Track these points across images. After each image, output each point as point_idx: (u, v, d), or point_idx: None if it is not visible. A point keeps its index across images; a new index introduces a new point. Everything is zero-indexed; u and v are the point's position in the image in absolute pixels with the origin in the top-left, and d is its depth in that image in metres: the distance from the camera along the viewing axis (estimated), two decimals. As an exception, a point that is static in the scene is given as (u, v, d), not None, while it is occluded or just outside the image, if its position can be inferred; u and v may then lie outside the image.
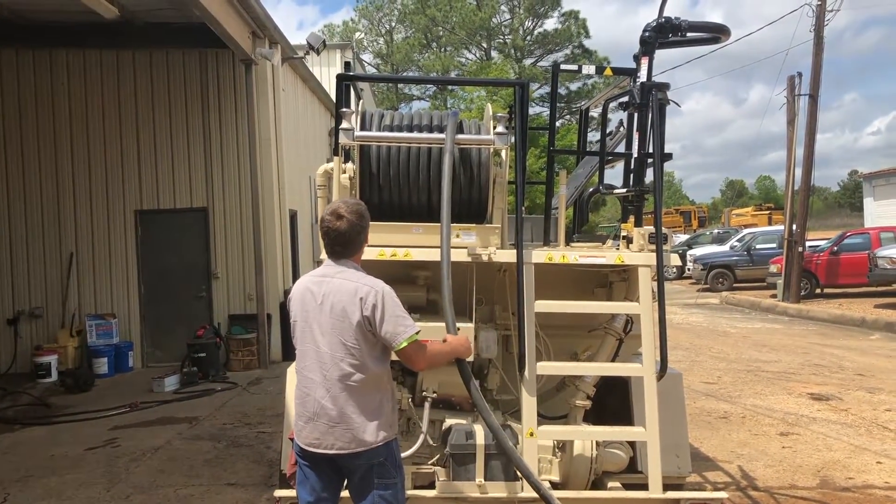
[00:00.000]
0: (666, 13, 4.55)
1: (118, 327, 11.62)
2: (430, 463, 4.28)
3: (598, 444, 4.32)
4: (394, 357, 3.32)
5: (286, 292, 11.95)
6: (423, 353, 3.26)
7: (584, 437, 4.24)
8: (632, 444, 4.43)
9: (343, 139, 4.19)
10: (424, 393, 4.33)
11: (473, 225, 4.29)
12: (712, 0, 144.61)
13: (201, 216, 11.93)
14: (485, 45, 51.74)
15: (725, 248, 26.66)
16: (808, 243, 19.37)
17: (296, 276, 13.12)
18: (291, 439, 3.48)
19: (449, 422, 4.33)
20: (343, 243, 3.28)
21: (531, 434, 4.00)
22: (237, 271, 11.88)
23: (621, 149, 5.16)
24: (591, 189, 5.64)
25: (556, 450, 4.35)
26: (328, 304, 3.21)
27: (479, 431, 4.08)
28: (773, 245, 23.04)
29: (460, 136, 4.30)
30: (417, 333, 3.20)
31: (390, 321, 3.17)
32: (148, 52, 11.86)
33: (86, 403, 9.28)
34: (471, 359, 4.25)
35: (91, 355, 11.20)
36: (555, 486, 4.31)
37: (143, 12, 10.61)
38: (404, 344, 3.16)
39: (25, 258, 11.88)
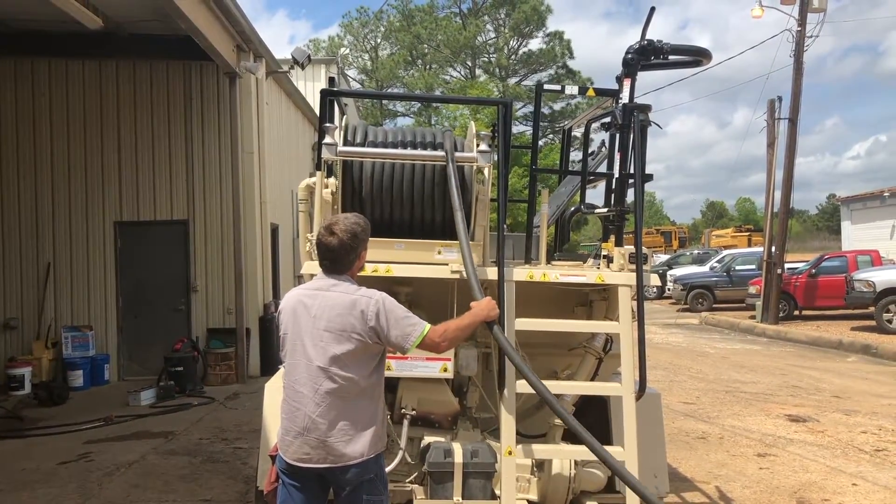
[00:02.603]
0: (652, 37, 4.60)
1: (95, 339, 11.48)
2: (407, 481, 4.25)
3: (576, 463, 4.31)
4: None
5: (266, 307, 11.91)
6: (441, 339, 3.27)
7: (563, 457, 4.23)
8: (610, 463, 4.42)
9: (326, 154, 4.18)
10: (403, 410, 4.31)
11: (456, 242, 4.29)
12: (699, 26, 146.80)
13: (182, 228, 11.84)
14: (469, 63, 52.03)
15: (705, 268, 26.83)
16: (786, 265, 19.57)
17: (276, 291, 13.05)
18: (272, 456, 3.44)
19: (427, 439, 4.30)
20: (331, 259, 3.28)
21: (509, 453, 3.98)
22: (217, 285, 11.79)
23: (603, 169, 5.19)
24: (572, 208, 5.67)
25: (535, 469, 4.34)
26: (323, 318, 3.19)
27: (458, 449, 4.06)
28: (753, 266, 23.23)
29: (444, 154, 4.30)
30: (427, 328, 3.22)
31: (397, 325, 3.18)
32: (131, 63, 11.81)
33: (59, 416, 9.15)
34: (450, 376, 4.26)
35: (66, 368, 11.04)
36: (532, 505, 4.30)
37: (127, 23, 10.59)
38: (418, 342, 3.19)
39: (1, 268, 11.73)
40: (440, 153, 4.29)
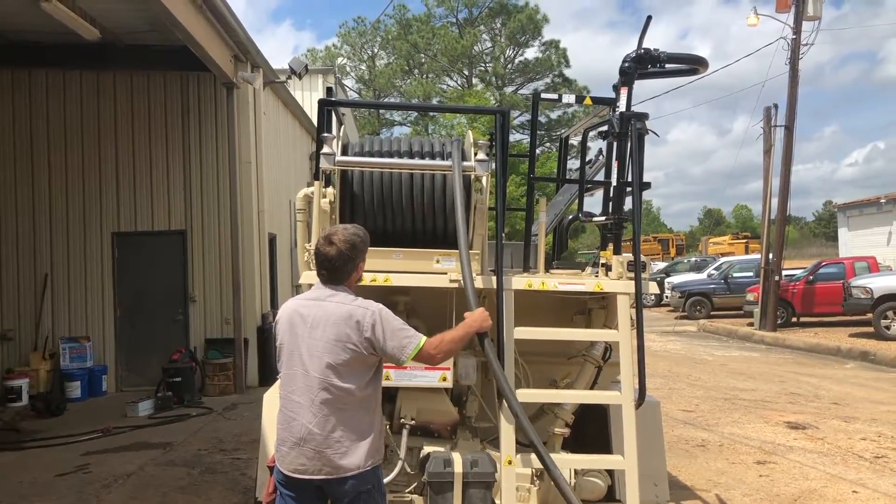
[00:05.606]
0: (650, 45, 4.61)
1: (92, 350, 11.45)
2: (407, 491, 4.24)
3: (576, 472, 4.30)
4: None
5: (264, 317, 11.88)
6: (436, 351, 3.27)
7: (563, 466, 4.20)
8: (610, 472, 4.42)
9: (324, 163, 4.19)
10: (403, 420, 4.30)
11: (454, 251, 4.29)
12: (700, 35, 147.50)
13: (179, 239, 11.83)
14: (466, 72, 52.18)
15: (703, 276, 26.89)
16: (784, 272, 19.58)
17: (274, 301, 13.03)
18: (270, 467, 3.42)
19: (427, 449, 4.30)
20: (329, 269, 3.28)
21: (509, 462, 3.97)
22: (215, 295, 11.77)
23: (600, 177, 5.20)
24: (570, 216, 5.68)
25: (535, 478, 4.33)
26: (319, 328, 3.19)
27: (458, 459, 4.05)
28: (750, 274, 23.27)
29: (441, 163, 4.31)
30: (422, 341, 3.22)
31: (393, 337, 3.18)
32: (129, 73, 11.83)
33: (57, 428, 9.11)
34: (449, 385, 4.26)
35: (64, 379, 11.01)
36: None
37: (124, 34, 10.61)
38: (413, 354, 3.19)
39: (-2, 279, 11.71)
40: (438, 162, 4.30)
